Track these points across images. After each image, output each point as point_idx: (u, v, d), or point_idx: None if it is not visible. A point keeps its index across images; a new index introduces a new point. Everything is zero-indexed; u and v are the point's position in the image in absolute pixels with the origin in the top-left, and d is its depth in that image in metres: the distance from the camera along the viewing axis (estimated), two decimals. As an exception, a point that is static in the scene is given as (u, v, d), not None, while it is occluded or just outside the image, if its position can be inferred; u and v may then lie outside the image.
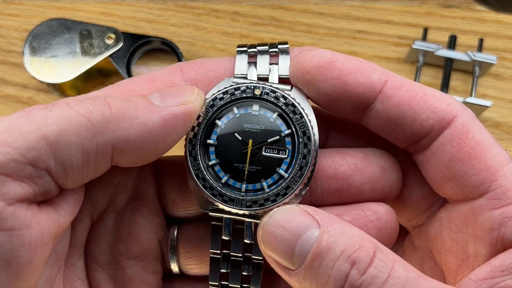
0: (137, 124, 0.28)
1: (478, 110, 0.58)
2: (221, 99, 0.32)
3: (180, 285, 0.37)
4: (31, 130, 0.26)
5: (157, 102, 0.29)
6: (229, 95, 0.32)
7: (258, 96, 0.32)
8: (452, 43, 0.61)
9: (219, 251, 0.33)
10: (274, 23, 0.65)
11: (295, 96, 0.32)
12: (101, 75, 0.61)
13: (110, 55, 0.59)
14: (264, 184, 0.32)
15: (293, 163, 0.32)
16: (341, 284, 0.26)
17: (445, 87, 0.60)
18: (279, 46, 0.34)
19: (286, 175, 0.32)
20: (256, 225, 0.32)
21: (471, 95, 0.59)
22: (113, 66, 0.59)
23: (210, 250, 0.33)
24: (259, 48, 0.34)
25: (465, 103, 0.57)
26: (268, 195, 0.31)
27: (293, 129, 0.32)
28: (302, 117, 0.32)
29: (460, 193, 0.31)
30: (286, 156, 0.32)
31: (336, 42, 0.63)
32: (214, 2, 0.66)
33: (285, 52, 0.33)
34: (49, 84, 0.59)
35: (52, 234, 0.28)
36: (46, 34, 0.59)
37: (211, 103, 0.32)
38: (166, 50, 0.62)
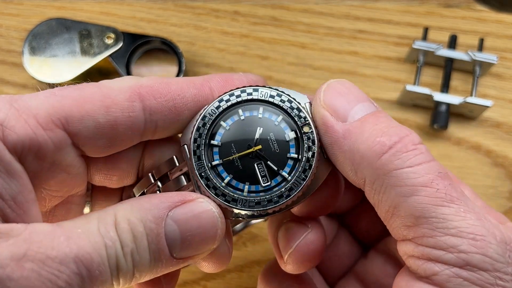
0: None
1: (478, 110, 0.58)
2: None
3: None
4: None
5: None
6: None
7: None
8: (452, 43, 0.61)
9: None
10: (274, 23, 0.64)
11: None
12: (101, 75, 0.61)
13: (110, 55, 0.59)
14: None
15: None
16: (384, 151, 0.30)
17: (445, 87, 0.60)
18: None
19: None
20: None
21: (471, 95, 0.59)
22: (113, 66, 0.59)
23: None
24: None
25: (466, 103, 0.57)
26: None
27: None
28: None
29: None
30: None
31: (337, 42, 0.63)
32: (214, 2, 0.66)
33: None
34: (48, 84, 0.59)
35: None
36: (46, 34, 0.59)
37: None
38: (166, 50, 0.62)
